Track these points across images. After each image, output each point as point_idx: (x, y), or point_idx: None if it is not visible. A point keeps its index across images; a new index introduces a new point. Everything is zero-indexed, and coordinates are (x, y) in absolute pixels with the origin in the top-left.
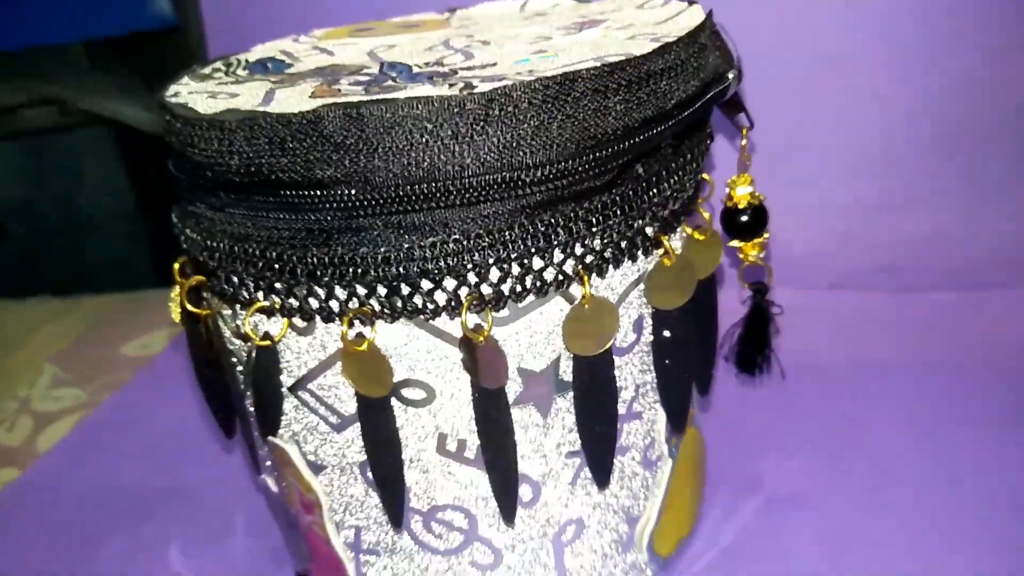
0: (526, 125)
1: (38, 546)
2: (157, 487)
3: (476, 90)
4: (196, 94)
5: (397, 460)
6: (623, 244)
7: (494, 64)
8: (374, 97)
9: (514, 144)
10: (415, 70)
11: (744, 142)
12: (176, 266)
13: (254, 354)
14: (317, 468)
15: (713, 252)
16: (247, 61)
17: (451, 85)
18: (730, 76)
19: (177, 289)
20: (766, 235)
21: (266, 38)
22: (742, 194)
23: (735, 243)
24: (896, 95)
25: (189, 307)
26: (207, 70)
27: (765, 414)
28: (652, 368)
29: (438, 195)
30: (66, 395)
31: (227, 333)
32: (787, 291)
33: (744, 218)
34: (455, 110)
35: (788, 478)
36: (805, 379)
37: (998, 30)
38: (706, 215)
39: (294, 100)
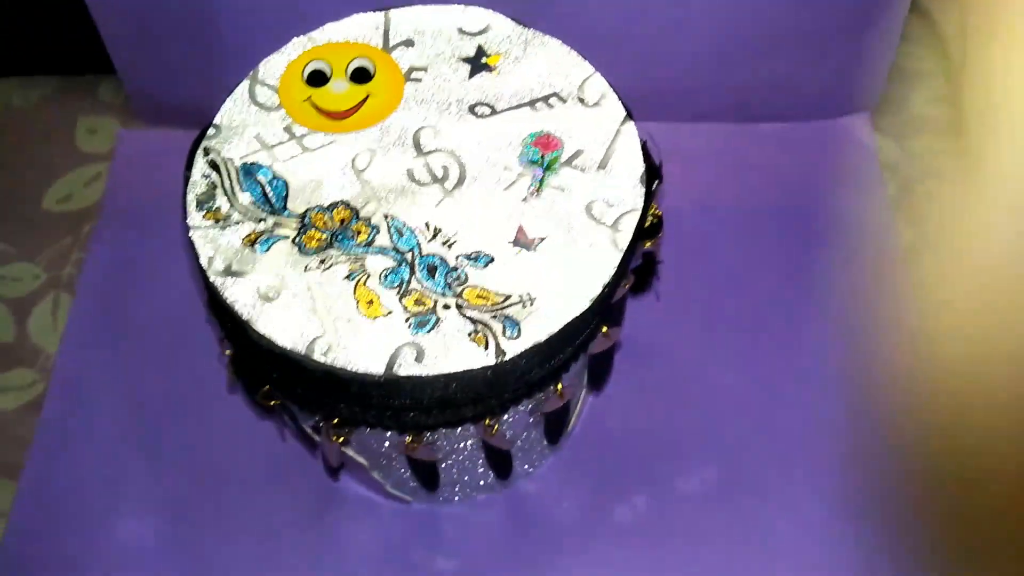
0: (535, 352)
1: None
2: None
3: (506, 356)
4: (235, 278)
5: (435, 474)
6: (581, 344)
7: (492, 259)
8: (436, 373)
9: (523, 365)
10: (424, 248)
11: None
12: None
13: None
14: (368, 457)
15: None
16: (237, 172)
17: (476, 326)
18: (655, 186)
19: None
20: (661, 234)
21: None
22: (650, 215)
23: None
24: None
25: (262, 403)
26: (202, 188)
27: None
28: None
29: (472, 396)
30: (23, 273)
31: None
32: (659, 124)
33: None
34: (492, 368)
35: (643, 331)
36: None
37: None
38: None
39: (338, 300)
